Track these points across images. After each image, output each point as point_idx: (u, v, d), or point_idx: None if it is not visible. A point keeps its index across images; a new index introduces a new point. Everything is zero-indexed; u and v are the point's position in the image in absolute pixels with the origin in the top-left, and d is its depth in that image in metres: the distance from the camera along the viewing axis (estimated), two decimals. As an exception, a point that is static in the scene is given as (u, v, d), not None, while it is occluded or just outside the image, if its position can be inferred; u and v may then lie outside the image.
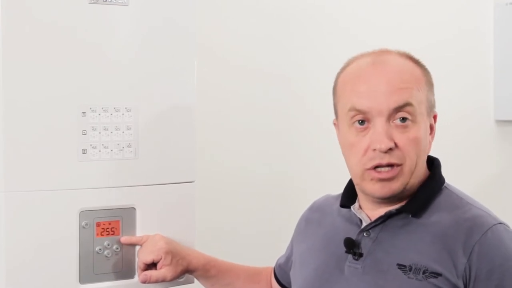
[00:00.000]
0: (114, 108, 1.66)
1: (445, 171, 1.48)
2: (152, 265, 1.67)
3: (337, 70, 1.49)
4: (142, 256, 1.67)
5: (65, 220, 1.61)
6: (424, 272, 1.34)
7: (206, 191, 2.27)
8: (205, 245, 1.83)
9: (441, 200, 1.43)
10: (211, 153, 2.48)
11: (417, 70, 1.43)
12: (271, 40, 2.64)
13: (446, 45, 2.99)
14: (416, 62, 1.45)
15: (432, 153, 1.47)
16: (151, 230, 1.70)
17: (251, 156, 2.61)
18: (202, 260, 1.72)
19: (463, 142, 3.07)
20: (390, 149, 1.37)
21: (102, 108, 1.64)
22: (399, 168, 1.38)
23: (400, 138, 1.38)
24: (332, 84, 1.49)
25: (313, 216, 1.61)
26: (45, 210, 1.59)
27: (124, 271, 1.68)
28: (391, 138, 1.37)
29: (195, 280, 1.77)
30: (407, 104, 1.38)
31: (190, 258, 1.70)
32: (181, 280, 1.73)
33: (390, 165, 1.38)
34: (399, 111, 1.38)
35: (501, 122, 3.18)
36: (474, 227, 1.36)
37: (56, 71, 1.59)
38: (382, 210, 1.43)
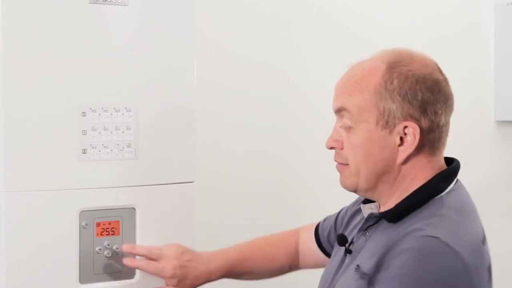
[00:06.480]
0: (114, 108, 1.66)
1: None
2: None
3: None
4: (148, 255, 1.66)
5: (65, 220, 1.61)
6: (362, 277, 1.33)
7: (206, 191, 2.27)
8: (205, 245, 1.83)
9: (424, 210, 1.35)
10: (211, 153, 2.48)
11: (376, 78, 1.36)
12: (271, 40, 2.64)
13: (446, 45, 2.99)
14: (390, 68, 1.37)
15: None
16: (151, 230, 1.70)
17: (250, 156, 2.61)
18: (219, 272, 1.71)
19: (463, 142, 3.06)
20: (333, 147, 1.43)
21: (102, 108, 1.64)
22: (346, 166, 1.41)
23: (344, 140, 1.41)
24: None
25: (353, 208, 1.62)
26: (45, 210, 1.59)
27: (124, 271, 1.68)
28: (336, 139, 1.42)
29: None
30: (342, 109, 1.40)
31: (204, 275, 1.68)
32: None
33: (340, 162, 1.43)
34: (340, 114, 1.41)
35: (501, 123, 3.18)
36: (405, 236, 1.30)
37: (56, 71, 1.59)
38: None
